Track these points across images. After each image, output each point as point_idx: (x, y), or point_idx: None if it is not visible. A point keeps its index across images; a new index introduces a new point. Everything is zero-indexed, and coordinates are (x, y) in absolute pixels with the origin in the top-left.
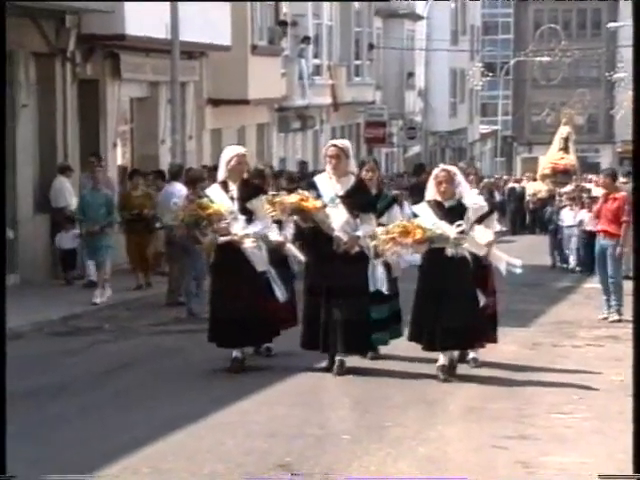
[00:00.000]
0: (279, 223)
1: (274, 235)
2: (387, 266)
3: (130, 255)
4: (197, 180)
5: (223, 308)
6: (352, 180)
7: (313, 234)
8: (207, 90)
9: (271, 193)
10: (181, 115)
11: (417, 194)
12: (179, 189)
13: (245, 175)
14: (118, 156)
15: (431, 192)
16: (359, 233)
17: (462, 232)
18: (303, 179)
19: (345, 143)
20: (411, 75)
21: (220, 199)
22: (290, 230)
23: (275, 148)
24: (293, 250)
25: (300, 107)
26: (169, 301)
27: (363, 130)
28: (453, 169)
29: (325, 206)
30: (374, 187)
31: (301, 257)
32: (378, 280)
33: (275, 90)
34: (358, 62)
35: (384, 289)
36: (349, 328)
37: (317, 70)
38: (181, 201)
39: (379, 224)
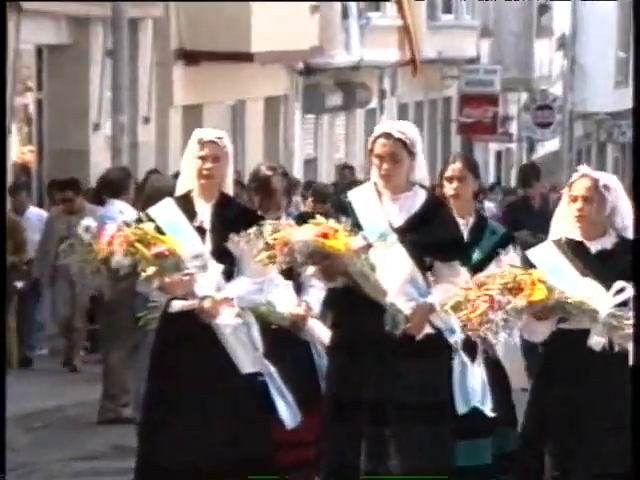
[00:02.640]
0: (291, 278)
1: (282, 301)
2: (491, 364)
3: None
4: (158, 196)
5: (170, 450)
6: (421, 198)
7: (345, 302)
8: (178, 35)
9: (279, 222)
10: (130, 80)
11: (524, 222)
12: (120, 209)
13: (227, 186)
14: (12, 148)
15: (562, 221)
16: (433, 300)
17: (624, 304)
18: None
19: (407, 129)
20: (545, 10)
21: (176, 229)
22: (316, 293)
23: (298, 140)
24: (319, 331)
25: (344, 68)
26: (102, 418)
27: (457, 109)
28: (606, 179)
29: (369, 247)
30: (465, 211)
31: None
32: (473, 392)
33: (299, 38)
34: None
35: (486, 409)
36: None
37: (375, 4)
38: (106, 228)
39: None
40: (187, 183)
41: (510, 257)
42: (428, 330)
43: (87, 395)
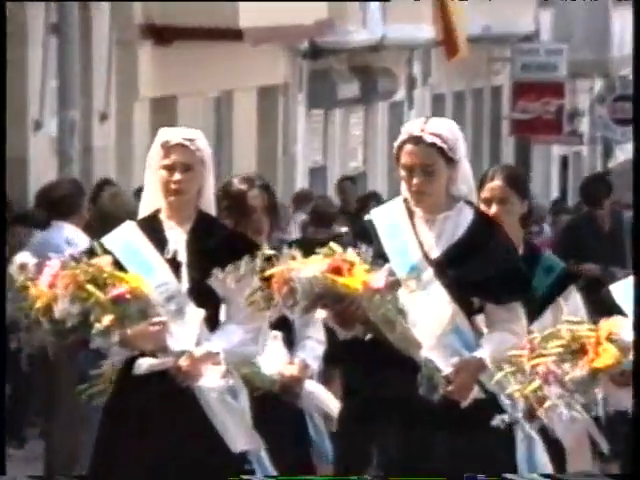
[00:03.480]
0: (284, 328)
1: (269, 358)
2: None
3: None
4: (114, 219)
5: None
6: (466, 219)
7: (362, 357)
8: (144, 7)
9: (277, 253)
10: (82, 65)
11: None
12: (69, 236)
13: (206, 204)
14: None
15: None
16: (483, 355)
17: None
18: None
19: (443, 130)
20: None
21: (140, 263)
22: (314, 347)
23: (302, 143)
24: (320, 397)
25: (361, 49)
26: None
27: (509, 102)
28: None
29: (398, 284)
30: (516, 238)
31: (335, 410)
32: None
33: (302, 10)
34: None
35: None
36: None
37: None
38: (47, 265)
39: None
40: (152, 201)
41: (572, 303)
42: (477, 394)
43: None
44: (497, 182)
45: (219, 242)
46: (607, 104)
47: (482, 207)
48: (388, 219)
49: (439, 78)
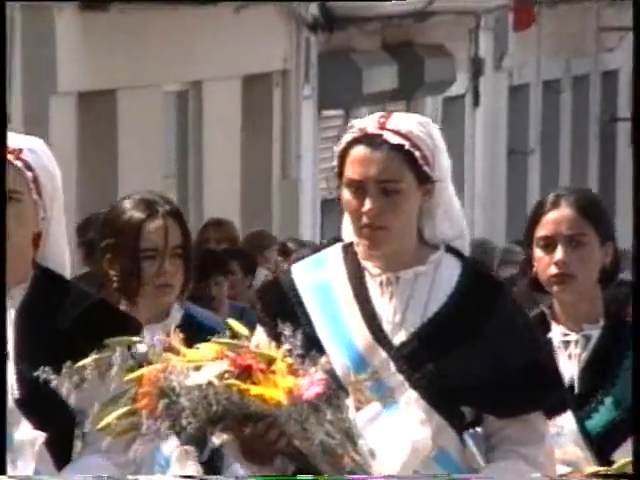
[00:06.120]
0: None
1: None
2: None
3: None
4: None
5: None
6: (450, 277)
7: None
8: None
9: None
10: None
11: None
12: None
13: (52, 253)
14: None
15: None
16: None
17: None
18: None
19: (413, 126)
20: None
21: None
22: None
23: (311, 154)
24: None
25: (400, 17)
26: None
27: (630, 96)
28: None
29: (342, 393)
30: (583, 314)
31: None
32: None
33: None
34: None
35: None
36: None
37: None
38: None
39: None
40: None
41: None
42: None
43: None
44: (565, 211)
45: (68, 317)
46: None
47: (537, 252)
48: (318, 280)
49: (520, 60)
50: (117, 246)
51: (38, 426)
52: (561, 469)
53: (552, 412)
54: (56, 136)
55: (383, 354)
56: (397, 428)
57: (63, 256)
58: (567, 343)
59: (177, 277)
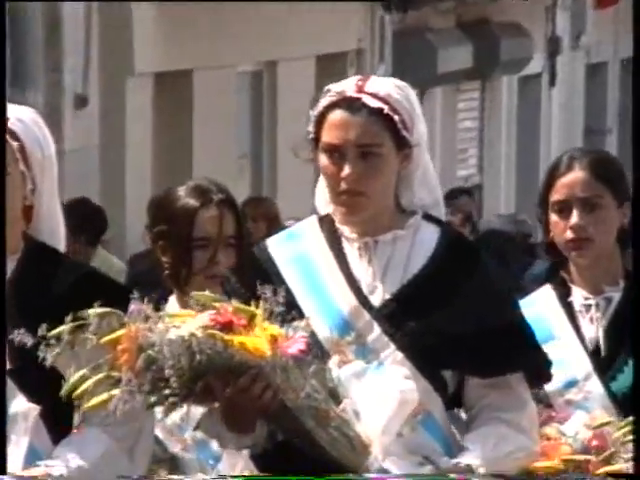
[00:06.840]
0: None
1: None
2: None
3: None
4: None
5: None
6: (428, 242)
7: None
8: None
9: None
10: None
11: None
12: None
13: (43, 226)
14: None
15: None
16: (471, 460)
17: None
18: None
19: (392, 90)
20: None
21: None
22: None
23: None
24: None
25: None
26: None
27: None
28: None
29: (322, 353)
30: (600, 278)
31: None
32: None
33: None
34: None
35: None
36: None
37: None
38: None
39: None
40: None
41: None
42: None
43: None
44: (578, 174)
45: (60, 287)
46: None
47: (552, 218)
48: (296, 251)
49: (598, 37)
50: (170, 233)
51: (32, 398)
52: (586, 434)
53: (533, 379)
54: (133, 117)
55: (367, 316)
56: (384, 381)
57: (57, 229)
58: (588, 307)
59: (227, 264)
